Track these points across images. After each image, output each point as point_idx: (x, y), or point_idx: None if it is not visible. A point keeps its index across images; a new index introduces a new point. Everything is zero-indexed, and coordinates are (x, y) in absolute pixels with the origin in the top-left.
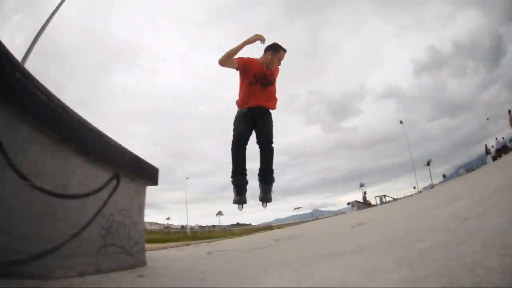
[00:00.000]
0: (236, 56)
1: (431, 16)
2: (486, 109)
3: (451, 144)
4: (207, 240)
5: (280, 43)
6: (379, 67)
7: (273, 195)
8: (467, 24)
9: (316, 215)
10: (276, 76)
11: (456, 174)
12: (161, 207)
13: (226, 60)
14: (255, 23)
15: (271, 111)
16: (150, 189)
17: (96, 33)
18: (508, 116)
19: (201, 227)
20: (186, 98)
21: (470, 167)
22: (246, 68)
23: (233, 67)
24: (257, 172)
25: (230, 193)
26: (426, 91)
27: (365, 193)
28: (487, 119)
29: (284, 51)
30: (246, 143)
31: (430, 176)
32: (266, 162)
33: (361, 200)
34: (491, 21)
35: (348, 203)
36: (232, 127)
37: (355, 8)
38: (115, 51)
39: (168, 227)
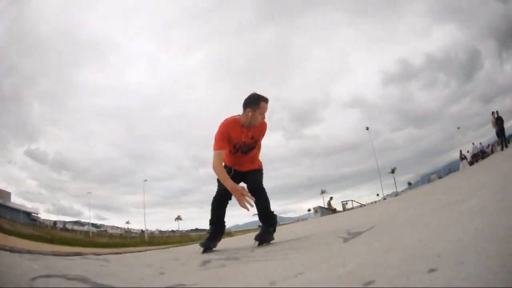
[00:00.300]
0: (221, 140)
1: (405, 30)
2: (454, 121)
3: (415, 154)
4: (164, 246)
5: (259, 92)
6: (346, 76)
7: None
8: (443, 38)
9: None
10: (261, 136)
11: (427, 180)
12: (122, 211)
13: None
14: (226, 25)
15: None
16: (110, 192)
17: (70, 26)
18: (491, 118)
19: (161, 232)
20: (150, 99)
21: (439, 174)
22: (227, 141)
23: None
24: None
25: (190, 198)
26: (392, 101)
27: (331, 198)
28: (458, 128)
29: (266, 101)
30: (227, 201)
31: (395, 184)
32: (262, 208)
33: (324, 205)
34: (469, 36)
35: (309, 210)
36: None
37: (328, 17)
38: (86, 46)
39: (128, 231)
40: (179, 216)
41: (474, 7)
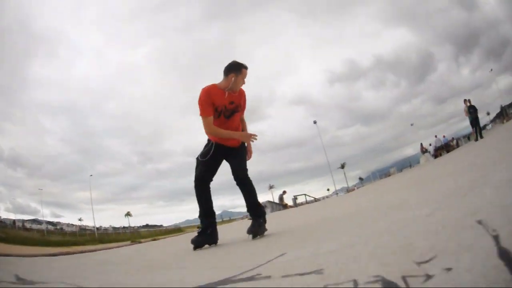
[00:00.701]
0: (206, 103)
1: (354, 32)
2: (404, 119)
3: (363, 151)
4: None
5: (238, 60)
6: (292, 75)
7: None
8: (394, 41)
9: (225, 216)
10: (242, 101)
11: (385, 174)
12: (75, 208)
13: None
14: (174, 21)
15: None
16: (62, 189)
17: (23, 17)
18: (464, 106)
19: (114, 228)
20: (97, 93)
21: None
22: (211, 106)
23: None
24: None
25: (139, 194)
26: (339, 100)
27: (284, 192)
28: (411, 124)
29: (246, 68)
30: (208, 184)
31: (345, 178)
32: (248, 197)
33: (273, 200)
34: (423, 40)
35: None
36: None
37: (276, 17)
38: (37, 38)
39: (84, 228)
40: (128, 212)
41: (432, 13)
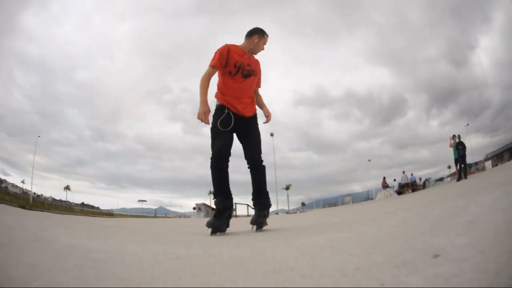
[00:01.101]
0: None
1: (334, 60)
2: (359, 156)
3: (310, 178)
4: None
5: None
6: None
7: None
8: (370, 79)
9: (160, 213)
10: (258, 68)
11: (340, 201)
12: (23, 169)
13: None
14: (164, 3)
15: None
16: (16, 147)
17: None
18: (450, 141)
19: (54, 200)
20: (72, 58)
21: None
22: (228, 60)
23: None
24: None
25: (84, 170)
26: (299, 122)
27: None
28: (369, 160)
29: (268, 36)
30: (227, 159)
31: (288, 200)
32: (258, 184)
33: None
34: (401, 85)
35: (194, 207)
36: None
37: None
38: None
39: (26, 192)
40: (68, 186)
41: (419, 61)
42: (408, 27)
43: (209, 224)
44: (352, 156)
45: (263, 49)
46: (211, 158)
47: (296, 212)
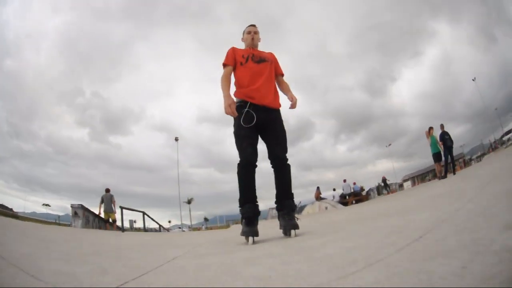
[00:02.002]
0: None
1: None
2: (258, 175)
3: (212, 194)
4: None
5: None
6: (167, 100)
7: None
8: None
9: (64, 220)
10: (273, 58)
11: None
12: None
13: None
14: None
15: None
16: None
17: None
18: (427, 134)
19: None
20: (5, 44)
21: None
22: (235, 56)
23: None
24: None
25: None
26: (202, 139)
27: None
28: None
29: (249, 26)
30: (255, 164)
31: (190, 215)
32: (284, 185)
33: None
34: (311, 108)
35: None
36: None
37: (184, 39)
38: None
39: None
40: None
41: (334, 87)
42: (327, 57)
43: (245, 233)
44: (256, 175)
45: (253, 38)
46: (239, 165)
47: (200, 228)
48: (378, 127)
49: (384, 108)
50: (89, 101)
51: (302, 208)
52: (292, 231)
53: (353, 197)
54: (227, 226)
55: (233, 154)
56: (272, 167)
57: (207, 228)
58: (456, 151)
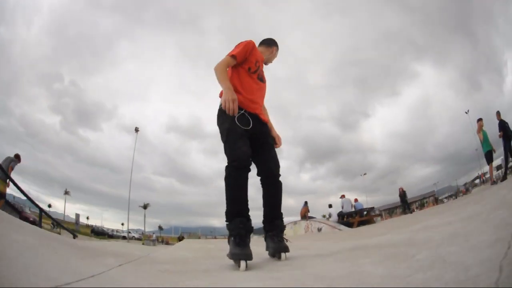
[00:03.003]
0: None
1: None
2: (219, 192)
3: (170, 204)
4: None
5: None
6: (140, 102)
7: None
8: None
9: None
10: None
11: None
12: None
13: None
14: None
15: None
16: None
17: None
18: (479, 126)
19: None
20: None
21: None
22: (249, 56)
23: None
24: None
25: None
26: (167, 148)
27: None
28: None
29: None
30: (249, 169)
31: (144, 221)
32: (274, 203)
33: None
34: (280, 135)
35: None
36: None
37: (165, 44)
38: None
39: None
40: None
41: (304, 117)
42: (304, 85)
43: (237, 256)
44: (215, 192)
45: (272, 61)
46: (230, 166)
47: (151, 236)
48: (345, 160)
49: (353, 142)
50: (66, 89)
51: None
52: (283, 254)
53: (358, 217)
54: (181, 237)
55: (196, 168)
56: (262, 183)
57: (158, 238)
58: (429, 188)
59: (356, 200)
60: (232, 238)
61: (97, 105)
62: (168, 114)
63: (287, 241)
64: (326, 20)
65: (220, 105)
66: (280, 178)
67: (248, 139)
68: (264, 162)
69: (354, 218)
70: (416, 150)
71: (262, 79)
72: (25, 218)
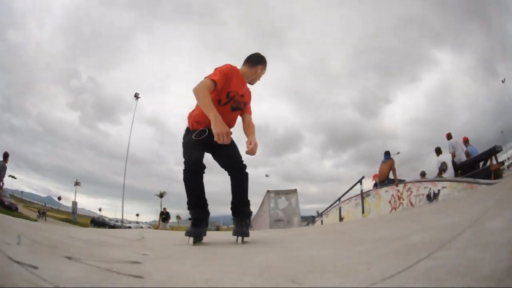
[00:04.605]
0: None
1: None
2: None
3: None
4: None
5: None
6: (160, 94)
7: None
8: (271, 110)
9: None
10: (249, 99)
11: None
12: None
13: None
14: None
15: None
16: None
17: None
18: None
19: None
20: (11, 15)
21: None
22: (224, 84)
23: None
24: None
25: None
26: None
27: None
28: (267, 175)
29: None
30: (203, 170)
31: (160, 210)
32: (240, 193)
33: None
34: (301, 121)
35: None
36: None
37: (183, 37)
38: None
39: None
40: None
41: (326, 104)
42: (325, 72)
43: (188, 233)
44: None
45: (259, 79)
46: (185, 170)
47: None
48: (366, 146)
49: (375, 128)
50: (84, 85)
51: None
52: (239, 238)
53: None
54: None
55: None
56: (229, 174)
57: (169, 228)
58: None
59: (466, 140)
60: (191, 221)
61: (116, 98)
62: (189, 105)
63: (251, 228)
64: (344, 6)
65: (187, 127)
66: (292, 166)
67: (202, 146)
68: (226, 156)
69: (493, 165)
70: (436, 136)
71: (236, 108)
72: (1, 202)
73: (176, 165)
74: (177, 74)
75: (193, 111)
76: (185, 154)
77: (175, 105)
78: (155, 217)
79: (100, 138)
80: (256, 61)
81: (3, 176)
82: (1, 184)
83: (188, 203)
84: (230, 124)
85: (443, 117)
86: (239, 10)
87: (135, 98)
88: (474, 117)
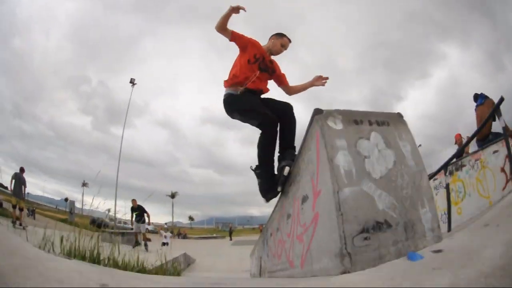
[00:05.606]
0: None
1: None
2: (255, 180)
3: (208, 195)
4: None
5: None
6: (170, 97)
7: None
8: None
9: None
10: (278, 69)
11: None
12: None
13: (220, 30)
14: None
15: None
16: None
17: None
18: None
19: None
20: (15, 22)
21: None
22: (245, 46)
23: (226, 37)
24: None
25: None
26: (203, 140)
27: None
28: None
29: (289, 39)
30: (275, 142)
31: (172, 210)
32: (290, 134)
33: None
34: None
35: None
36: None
37: (191, 36)
38: None
39: None
40: None
41: (335, 101)
42: (334, 70)
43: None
44: (251, 180)
45: (281, 50)
46: (263, 124)
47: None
48: None
49: None
50: (94, 90)
51: None
52: (286, 168)
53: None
54: (217, 228)
55: (233, 158)
56: (281, 116)
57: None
58: None
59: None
60: (264, 178)
61: (127, 102)
62: (201, 106)
63: (291, 165)
64: (350, 2)
65: (227, 94)
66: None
67: (259, 100)
68: (276, 103)
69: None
70: (447, 131)
71: (264, 69)
72: None
73: (191, 167)
74: (186, 75)
75: (234, 70)
76: (253, 115)
77: (187, 105)
78: (168, 218)
79: (112, 142)
80: (273, 35)
81: (25, 187)
82: (22, 196)
83: (260, 164)
84: (264, 89)
85: (453, 112)
86: (247, 9)
87: (131, 84)
88: None
